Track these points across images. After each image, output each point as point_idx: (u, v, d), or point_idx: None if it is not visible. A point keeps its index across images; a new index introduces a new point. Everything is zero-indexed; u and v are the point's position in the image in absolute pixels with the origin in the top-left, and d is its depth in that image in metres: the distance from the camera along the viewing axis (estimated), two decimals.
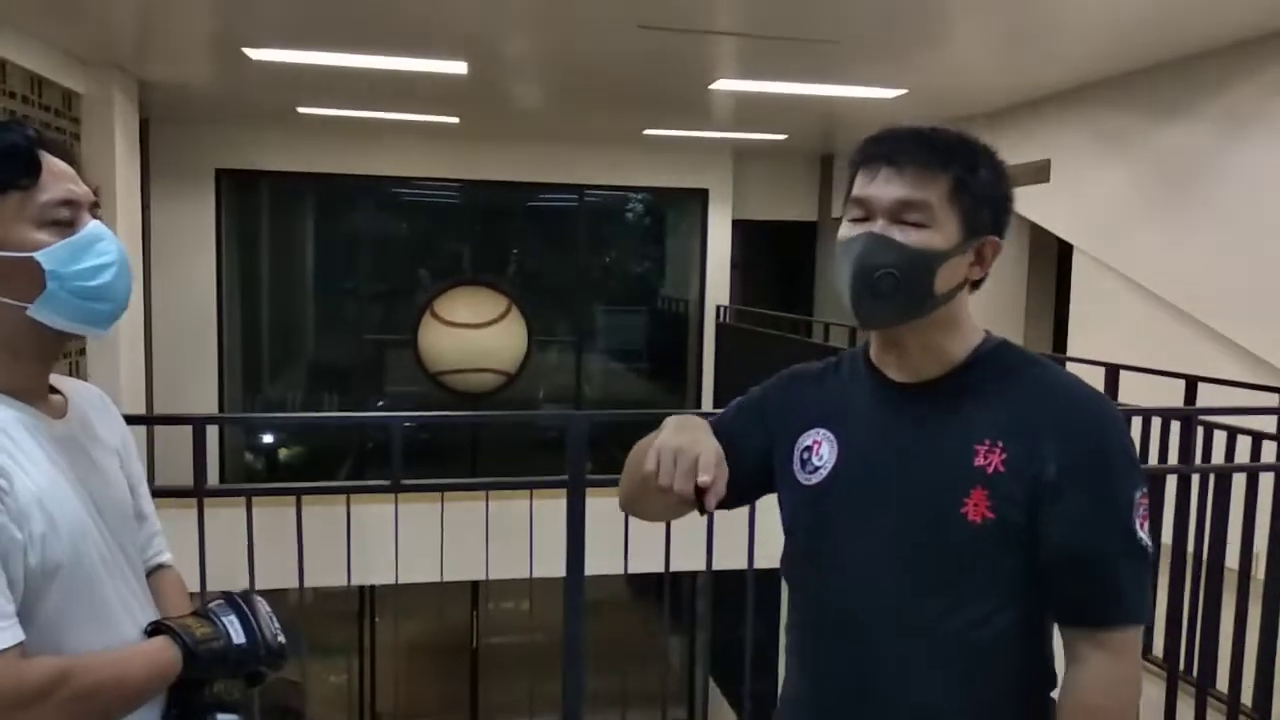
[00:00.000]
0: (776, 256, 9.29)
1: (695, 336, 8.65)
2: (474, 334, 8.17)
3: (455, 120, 6.98)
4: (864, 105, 5.90)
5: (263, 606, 1.25)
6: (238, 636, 1.19)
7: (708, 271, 8.54)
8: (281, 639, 1.24)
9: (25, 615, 1.03)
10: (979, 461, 1.17)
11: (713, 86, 5.51)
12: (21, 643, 1.01)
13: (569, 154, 8.09)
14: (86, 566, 1.10)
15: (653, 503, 1.31)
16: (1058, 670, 1.25)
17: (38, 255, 1.07)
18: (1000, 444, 1.17)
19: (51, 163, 1.11)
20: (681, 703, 8.18)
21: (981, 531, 1.16)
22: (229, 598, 1.24)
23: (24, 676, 0.99)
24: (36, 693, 1.00)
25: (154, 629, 1.16)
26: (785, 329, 6.96)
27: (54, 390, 1.20)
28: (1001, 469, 1.16)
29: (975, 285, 1.24)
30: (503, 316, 8.28)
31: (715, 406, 8.18)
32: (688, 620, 7.94)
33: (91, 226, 1.12)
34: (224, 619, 1.20)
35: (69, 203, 1.10)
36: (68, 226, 1.10)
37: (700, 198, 8.53)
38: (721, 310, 8.42)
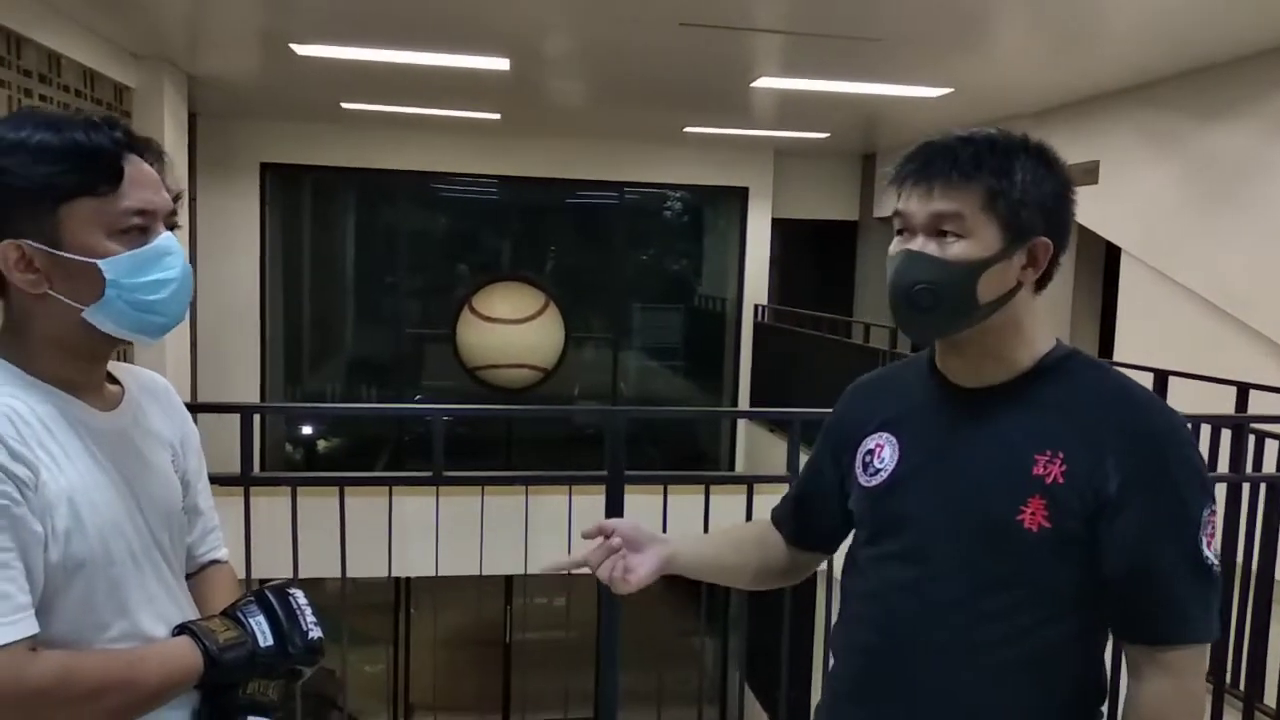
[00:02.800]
0: (816, 256, 9.22)
1: (733, 335, 8.62)
2: (512, 330, 8.21)
3: (496, 116, 7.01)
4: (908, 104, 5.84)
5: (297, 601, 1.22)
6: (264, 640, 1.17)
7: (746, 270, 8.51)
8: (316, 635, 1.21)
9: (45, 610, 1.02)
10: (1038, 471, 1.16)
11: (754, 84, 5.48)
12: (31, 637, 0.99)
13: (609, 151, 8.10)
14: (116, 564, 1.09)
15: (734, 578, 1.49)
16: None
17: (101, 264, 1.06)
18: (1061, 454, 1.16)
19: (137, 168, 1.08)
20: (714, 703, 8.16)
21: (1037, 540, 1.16)
22: (260, 596, 1.21)
23: (25, 673, 0.98)
24: (36, 690, 0.98)
25: (179, 631, 1.14)
26: (824, 329, 6.90)
27: (114, 380, 1.19)
28: (1061, 480, 1.15)
29: (1040, 286, 1.23)
30: (540, 313, 8.31)
31: (751, 405, 8.20)
32: (722, 621, 7.92)
33: (161, 240, 1.10)
34: (252, 620, 1.18)
35: (145, 212, 1.08)
36: (140, 234, 1.08)
37: (740, 196, 8.50)
38: (760, 309, 8.38)
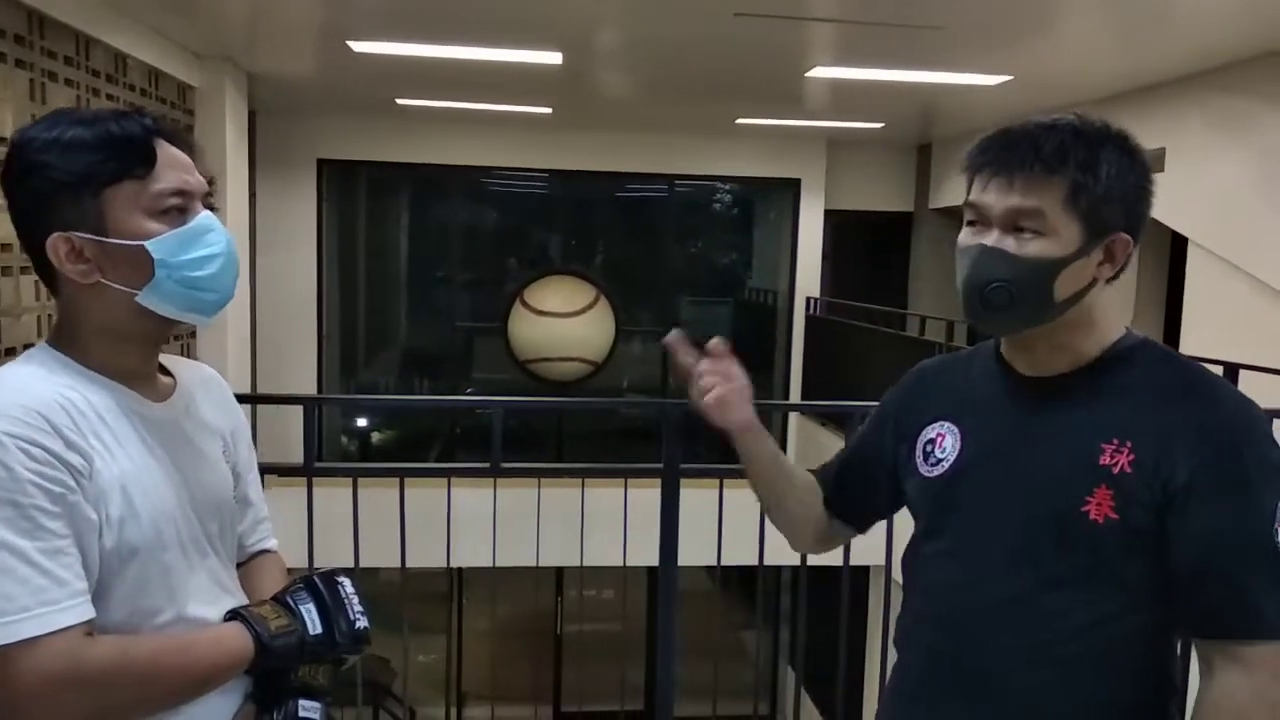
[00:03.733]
0: (870, 248, 9.10)
1: (784, 328, 8.55)
2: (563, 323, 8.24)
3: (547, 111, 7.03)
4: (965, 92, 5.74)
5: (345, 589, 1.23)
6: (314, 627, 1.18)
7: (798, 263, 8.42)
8: (362, 624, 1.22)
9: (100, 596, 1.04)
10: (1104, 461, 1.13)
11: (809, 74, 5.42)
12: (88, 621, 1.01)
13: (660, 143, 8.07)
14: (168, 550, 1.11)
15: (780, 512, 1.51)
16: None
17: (148, 244, 1.08)
18: (1129, 444, 1.12)
19: (168, 152, 1.11)
20: (764, 699, 8.13)
21: (1104, 532, 1.12)
22: (309, 582, 1.23)
23: (82, 657, 1.00)
24: (93, 674, 1.00)
25: (230, 616, 1.16)
26: (878, 322, 6.81)
27: (166, 372, 1.21)
28: (1128, 469, 1.12)
29: (1113, 278, 1.19)
30: (591, 306, 8.33)
31: (803, 399, 8.14)
32: (773, 616, 7.89)
33: (202, 217, 1.12)
34: (302, 607, 1.19)
35: (182, 192, 1.11)
36: (179, 215, 1.11)
37: (792, 187, 8.42)
38: (812, 302, 8.30)
